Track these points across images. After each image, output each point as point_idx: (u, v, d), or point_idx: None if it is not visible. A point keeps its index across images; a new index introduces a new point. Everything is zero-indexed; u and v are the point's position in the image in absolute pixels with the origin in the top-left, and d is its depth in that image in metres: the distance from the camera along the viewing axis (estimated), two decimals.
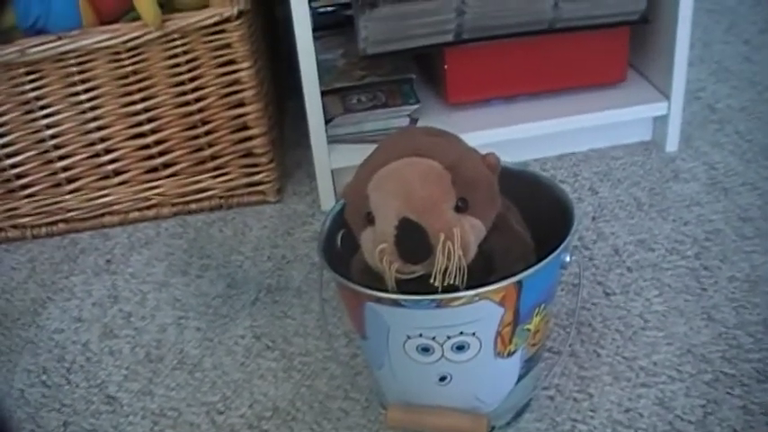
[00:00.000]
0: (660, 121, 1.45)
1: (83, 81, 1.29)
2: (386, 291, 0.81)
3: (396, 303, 0.81)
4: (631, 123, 1.46)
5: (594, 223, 1.28)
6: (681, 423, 0.94)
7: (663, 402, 0.97)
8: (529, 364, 0.91)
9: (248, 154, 1.37)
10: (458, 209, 0.80)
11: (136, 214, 1.40)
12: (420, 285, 0.80)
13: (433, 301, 0.80)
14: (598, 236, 1.25)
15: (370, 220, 0.82)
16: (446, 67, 1.38)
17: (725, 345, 1.04)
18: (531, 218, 0.93)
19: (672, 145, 1.44)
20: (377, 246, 0.80)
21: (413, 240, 0.78)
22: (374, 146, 0.89)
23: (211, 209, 1.40)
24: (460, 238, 0.78)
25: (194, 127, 1.34)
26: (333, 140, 1.35)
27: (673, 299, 1.12)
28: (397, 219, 0.78)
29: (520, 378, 0.90)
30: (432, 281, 0.79)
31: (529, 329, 0.87)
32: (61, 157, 1.35)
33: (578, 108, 1.41)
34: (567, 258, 0.88)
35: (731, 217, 1.26)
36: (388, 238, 0.79)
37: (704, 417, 0.95)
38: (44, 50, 1.25)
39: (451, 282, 0.79)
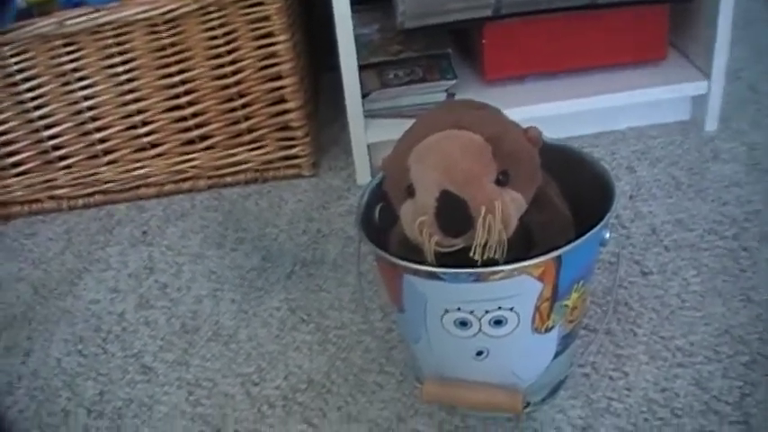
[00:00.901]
0: (699, 101, 1.43)
1: (120, 53, 1.30)
2: (425, 264, 0.81)
3: (434, 276, 0.81)
4: (670, 102, 1.44)
5: (632, 202, 1.27)
6: (717, 404, 0.93)
7: (699, 383, 0.96)
8: (566, 341, 0.90)
9: (284, 127, 1.37)
10: (498, 182, 0.79)
11: (171, 186, 1.40)
12: (459, 259, 0.80)
13: (472, 274, 0.79)
14: (636, 215, 1.24)
15: (410, 192, 0.81)
16: (484, 42, 1.37)
17: (762, 326, 1.03)
18: (570, 194, 0.92)
19: (711, 125, 1.43)
20: (417, 218, 0.79)
21: (453, 213, 0.78)
22: (411, 121, 0.88)
23: (247, 182, 1.41)
24: (501, 211, 0.78)
25: (231, 100, 1.34)
26: (369, 115, 1.35)
27: (710, 279, 1.11)
28: (438, 191, 0.78)
29: (556, 355, 0.90)
30: (471, 254, 0.79)
31: (567, 306, 0.86)
32: (98, 129, 1.35)
33: (617, 86, 1.40)
34: (607, 235, 0.87)
35: None
36: (428, 211, 0.79)
37: (741, 398, 0.94)
38: (81, 22, 1.26)
39: (491, 255, 0.79)
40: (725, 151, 1.37)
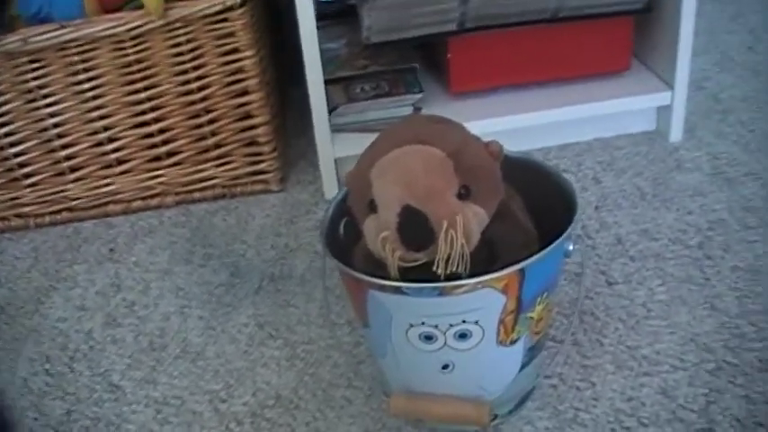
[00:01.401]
0: (664, 111, 1.44)
1: (86, 70, 1.29)
2: (388, 279, 0.81)
3: (398, 291, 0.81)
4: (635, 113, 1.46)
5: (597, 212, 1.28)
6: (683, 412, 0.94)
7: (666, 391, 0.97)
8: (532, 353, 0.91)
9: (252, 143, 1.37)
10: (460, 196, 0.80)
11: (139, 203, 1.40)
12: (423, 273, 0.80)
13: (435, 288, 0.80)
14: (601, 225, 1.25)
15: (372, 207, 0.82)
16: (449, 56, 1.38)
17: (728, 334, 1.04)
18: (534, 207, 0.93)
19: (675, 135, 1.44)
20: (379, 233, 0.80)
21: (415, 228, 0.78)
22: (376, 135, 0.88)
23: (215, 198, 1.40)
24: (463, 225, 0.78)
25: (198, 116, 1.34)
26: (336, 129, 1.35)
27: (676, 288, 1.12)
28: (400, 206, 0.78)
29: (523, 366, 0.90)
30: (434, 268, 0.79)
31: (532, 318, 0.87)
32: (64, 146, 1.35)
33: (582, 97, 1.41)
34: (570, 247, 0.88)
35: (734, 207, 1.26)
36: (390, 226, 0.79)
37: (707, 405, 0.95)
38: (47, 39, 1.25)
39: (454, 269, 0.79)
40: (689, 161, 1.38)
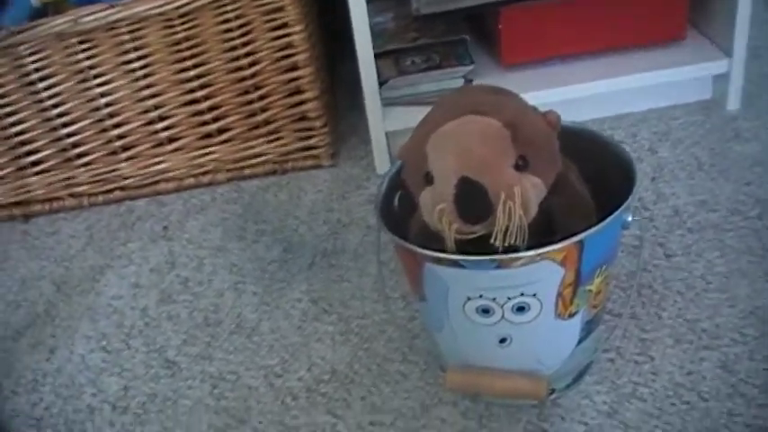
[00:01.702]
0: (721, 80, 1.41)
1: (135, 49, 1.30)
2: (445, 251, 0.80)
3: (455, 264, 0.80)
4: (691, 82, 1.42)
5: (654, 184, 1.25)
6: (745, 386, 0.92)
7: (726, 365, 0.95)
8: (589, 326, 0.89)
9: (302, 118, 1.37)
10: (518, 167, 0.78)
11: (191, 180, 1.40)
12: (480, 246, 0.79)
13: (493, 261, 0.78)
14: (658, 197, 1.22)
15: (428, 179, 0.81)
16: (500, 26, 1.36)
17: None
18: (591, 178, 0.91)
19: (733, 104, 1.41)
20: (436, 206, 0.79)
21: (472, 200, 0.77)
22: (429, 108, 0.87)
23: (266, 174, 1.40)
24: (521, 196, 0.77)
25: (247, 92, 1.34)
26: (387, 103, 1.34)
27: (735, 260, 1.10)
28: (457, 178, 0.77)
29: (580, 340, 0.89)
30: (492, 241, 0.78)
31: (590, 291, 0.85)
32: (116, 125, 1.36)
33: (637, 67, 1.38)
34: (629, 218, 0.86)
35: None
36: (447, 198, 0.78)
37: None
38: (96, 19, 1.26)
39: (512, 242, 0.78)
40: (747, 130, 1.35)
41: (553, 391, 0.90)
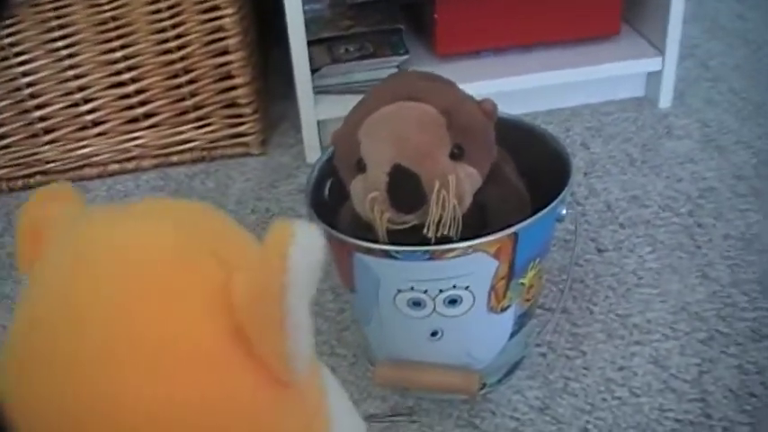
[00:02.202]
0: (654, 77, 1.42)
1: (60, 27, 1.24)
2: (376, 242, 0.78)
3: (387, 255, 0.78)
4: (624, 78, 1.43)
5: (586, 179, 1.25)
6: (676, 382, 0.92)
7: (657, 361, 0.95)
8: (522, 320, 0.88)
9: (232, 104, 1.33)
10: (453, 156, 0.77)
11: (115, 166, 1.35)
12: (412, 236, 0.77)
13: (425, 252, 0.76)
14: (590, 191, 1.22)
15: (360, 167, 0.78)
16: (436, 16, 1.34)
17: (719, 303, 1.02)
18: (526, 171, 0.89)
19: (665, 101, 1.42)
20: (368, 194, 0.77)
21: (406, 188, 0.75)
22: (362, 97, 0.85)
23: (193, 161, 1.36)
24: (455, 186, 0.75)
25: (176, 76, 1.29)
26: (319, 91, 1.31)
27: (666, 256, 1.10)
28: (390, 165, 0.75)
29: (512, 334, 0.88)
30: (425, 231, 0.76)
31: (523, 284, 0.84)
32: (38, 107, 1.30)
33: (570, 61, 1.38)
34: (563, 211, 0.85)
35: (725, 175, 1.24)
36: (379, 186, 0.76)
37: (699, 375, 0.93)
38: None
39: (445, 233, 0.76)
40: (679, 128, 1.36)
41: (484, 385, 0.89)
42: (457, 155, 0.77)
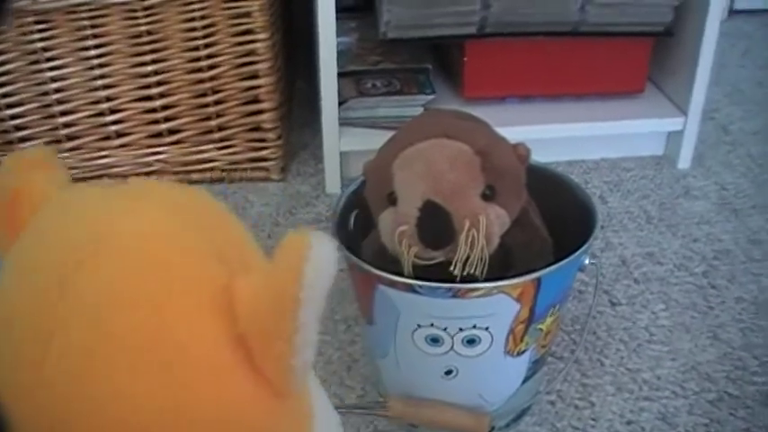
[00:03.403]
0: (674, 137, 1.42)
1: (94, 36, 1.25)
2: (401, 275, 0.78)
3: (410, 289, 0.78)
4: (645, 136, 1.44)
5: (603, 232, 1.25)
6: None
7: (665, 417, 0.95)
8: (535, 366, 0.88)
9: (256, 128, 1.33)
10: (485, 197, 0.77)
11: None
12: (436, 274, 0.78)
13: (450, 289, 0.77)
14: (606, 245, 1.22)
15: (392, 200, 0.79)
16: (465, 59, 1.35)
17: (730, 365, 1.02)
18: (548, 217, 0.90)
19: (684, 162, 1.42)
20: (397, 227, 0.77)
21: (436, 224, 0.75)
22: (386, 132, 0.86)
23: (212, 181, 1.37)
24: (485, 226, 0.75)
25: (204, 95, 1.30)
26: (343, 123, 1.32)
27: (679, 314, 1.10)
28: (422, 200, 0.76)
29: (525, 379, 0.88)
30: (451, 269, 0.76)
31: (541, 329, 0.84)
32: (63, 113, 1.31)
33: (594, 115, 1.39)
34: (586, 261, 0.86)
35: (740, 238, 1.24)
36: (410, 220, 0.76)
37: None
38: (57, 0, 1.21)
39: (471, 272, 0.76)
40: (697, 189, 1.36)
41: (492, 428, 0.89)
42: (488, 196, 0.77)
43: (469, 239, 0.75)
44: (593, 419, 0.94)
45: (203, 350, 0.42)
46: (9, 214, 0.48)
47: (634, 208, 1.31)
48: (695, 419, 0.94)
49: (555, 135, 1.38)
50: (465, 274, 0.76)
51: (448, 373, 0.84)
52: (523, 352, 0.84)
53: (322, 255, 0.40)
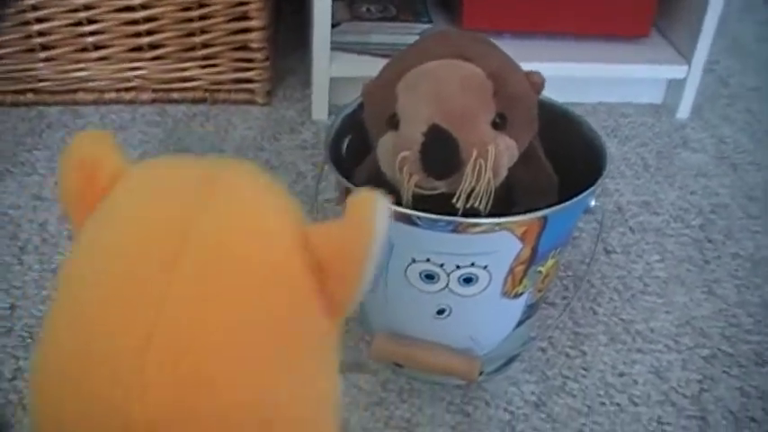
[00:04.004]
0: (674, 86, 1.38)
1: None
2: (398, 205, 0.73)
3: (408, 220, 0.72)
4: (645, 82, 1.39)
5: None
6: (676, 396, 0.88)
7: (658, 371, 0.91)
8: (530, 311, 0.84)
9: (243, 47, 1.26)
10: (495, 125, 0.72)
11: (112, 95, 1.28)
12: (436, 206, 0.72)
13: (450, 222, 0.71)
14: (602, 190, 1.18)
15: (393, 123, 0.73)
16: None
17: (724, 322, 0.99)
18: (553, 154, 0.85)
19: (683, 112, 1.38)
20: (398, 152, 0.71)
21: (441, 151, 0.69)
22: (378, 60, 0.79)
23: (194, 101, 1.30)
24: (494, 157, 0.70)
25: (189, 8, 1.22)
26: (335, 48, 1.25)
27: (674, 267, 1.06)
28: (427, 125, 0.70)
29: (519, 323, 0.83)
30: (454, 200, 0.71)
31: (540, 272, 0.80)
32: (38, 20, 1.22)
33: (594, 56, 1.34)
34: (593, 203, 0.81)
35: (737, 193, 1.20)
36: (412, 146, 0.70)
37: (700, 393, 0.89)
38: None
39: (475, 205, 0.71)
40: (695, 140, 1.32)
41: (481, 373, 0.84)
42: (499, 124, 0.72)
43: (476, 170, 0.69)
44: (585, 369, 0.90)
45: (295, 273, 0.47)
46: (87, 187, 0.49)
47: (631, 155, 1.27)
48: (688, 375, 0.91)
49: (553, 74, 1.28)
50: (468, 207, 0.71)
51: (440, 312, 0.79)
52: (520, 294, 0.80)
53: (385, 212, 0.48)
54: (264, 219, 0.48)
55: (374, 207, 0.47)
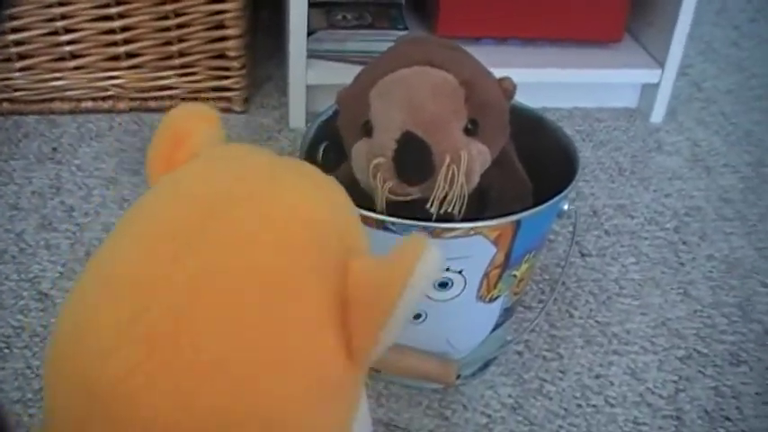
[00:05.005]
0: (648, 90, 1.39)
1: None
2: (372, 211, 0.74)
3: (382, 226, 0.73)
4: (619, 87, 1.40)
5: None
6: (652, 396, 0.89)
7: (634, 373, 0.92)
8: (506, 314, 0.85)
9: (220, 56, 1.27)
10: (467, 131, 0.72)
11: (89, 104, 1.28)
12: (410, 211, 0.73)
13: (425, 228, 0.72)
14: (577, 194, 1.19)
15: (367, 130, 0.74)
16: None
17: (699, 323, 1.00)
18: (526, 158, 0.85)
19: (657, 116, 1.39)
20: (371, 160, 0.72)
21: (414, 158, 0.70)
22: (354, 67, 0.80)
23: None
24: (466, 163, 0.71)
25: (166, 17, 1.22)
26: (311, 55, 1.26)
27: (649, 269, 1.07)
28: (400, 131, 0.71)
29: (495, 327, 0.84)
30: (428, 206, 0.72)
31: (515, 276, 0.80)
32: (14, 30, 1.22)
33: (569, 62, 1.35)
34: (566, 207, 0.82)
35: (712, 196, 1.22)
36: (386, 153, 0.71)
37: (675, 393, 0.90)
38: None
39: (449, 210, 0.72)
40: (669, 144, 1.34)
41: (458, 377, 0.85)
42: (471, 130, 0.73)
43: (449, 176, 0.70)
44: (562, 372, 0.91)
45: (311, 303, 0.46)
46: (169, 153, 0.53)
47: (606, 159, 1.28)
48: (664, 376, 0.92)
49: (529, 80, 1.31)
50: (442, 212, 0.72)
51: (416, 317, 0.79)
52: (496, 298, 0.80)
53: (434, 261, 0.45)
54: (293, 235, 0.47)
55: (420, 250, 0.45)
